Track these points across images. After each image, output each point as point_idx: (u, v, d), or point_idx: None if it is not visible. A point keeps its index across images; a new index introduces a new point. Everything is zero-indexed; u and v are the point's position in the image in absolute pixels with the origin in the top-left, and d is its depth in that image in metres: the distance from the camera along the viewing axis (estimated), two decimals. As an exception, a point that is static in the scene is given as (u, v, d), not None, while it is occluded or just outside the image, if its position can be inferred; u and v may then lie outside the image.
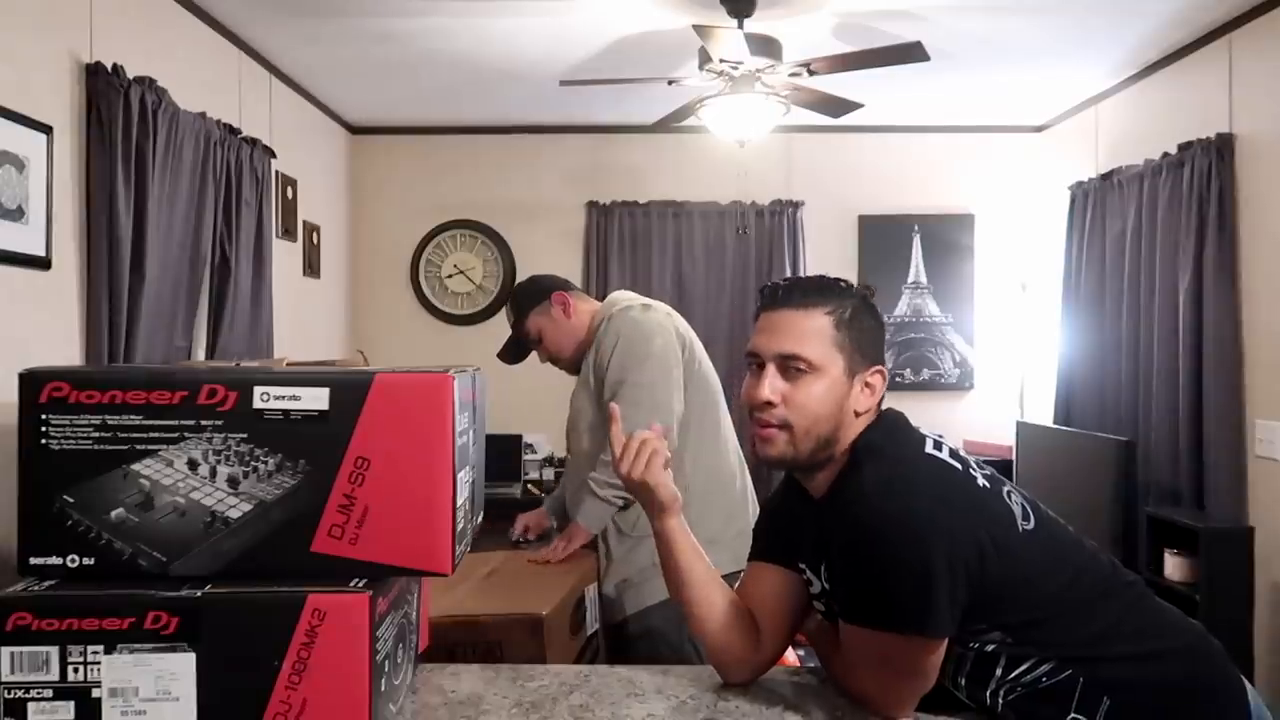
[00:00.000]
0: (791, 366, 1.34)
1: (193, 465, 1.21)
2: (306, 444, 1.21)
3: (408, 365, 1.31)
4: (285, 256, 4.13)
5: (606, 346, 2.35)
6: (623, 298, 2.51)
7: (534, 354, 2.59)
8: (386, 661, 1.25)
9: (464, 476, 1.29)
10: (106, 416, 1.20)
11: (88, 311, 2.66)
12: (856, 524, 1.25)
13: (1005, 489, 1.33)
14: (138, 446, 1.20)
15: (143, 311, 2.78)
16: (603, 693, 1.42)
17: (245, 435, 1.20)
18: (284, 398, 1.21)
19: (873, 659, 1.30)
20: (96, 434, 1.20)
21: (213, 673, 1.16)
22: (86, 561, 1.20)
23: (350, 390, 1.21)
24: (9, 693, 1.15)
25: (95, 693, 1.16)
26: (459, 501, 1.25)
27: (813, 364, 1.33)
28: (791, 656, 3.24)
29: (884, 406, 1.42)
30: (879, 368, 1.38)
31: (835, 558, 1.32)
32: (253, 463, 1.21)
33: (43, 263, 2.50)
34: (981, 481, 1.30)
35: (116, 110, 2.67)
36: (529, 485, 4.81)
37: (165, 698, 1.16)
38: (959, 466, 1.31)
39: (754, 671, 1.46)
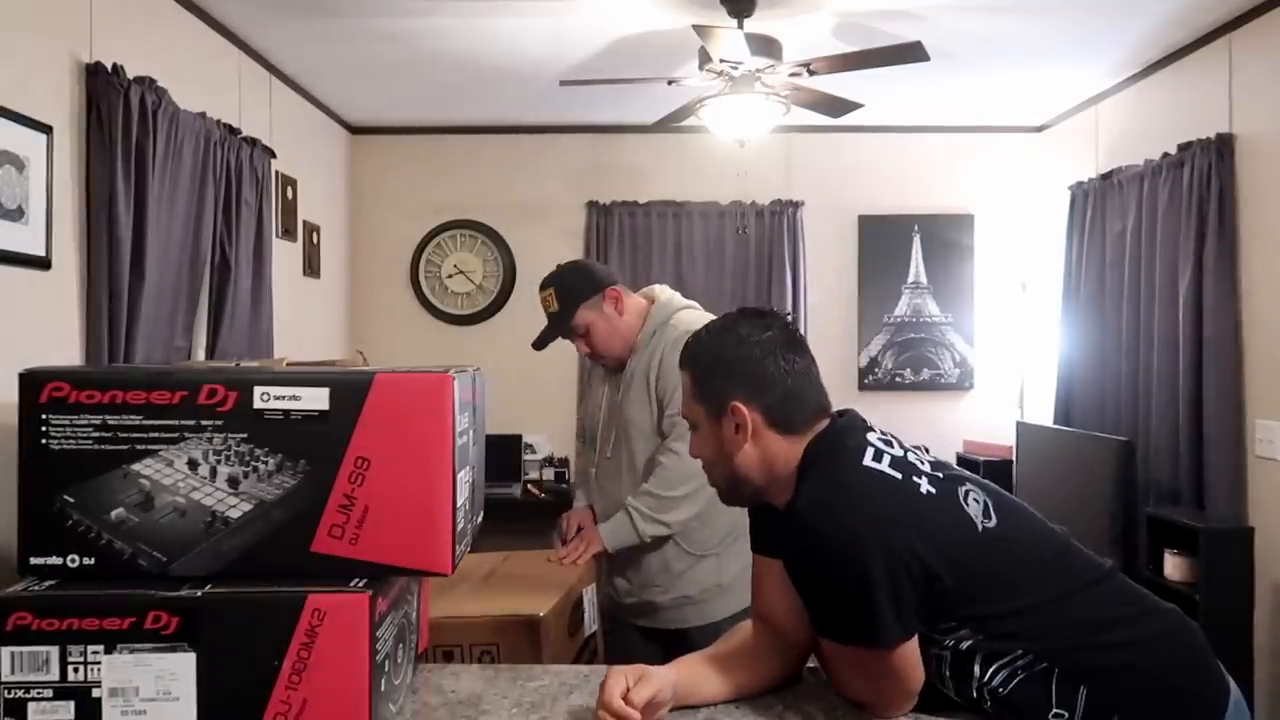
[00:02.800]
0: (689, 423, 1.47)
1: (193, 465, 1.21)
2: (307, 444, 1.21)
3: (408, 365, 1.31)
4: (285, 256, 4.12)
5: (671, 375, 2.22)
6: (674, 304, 2.39)
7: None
8: (386, 661, 1.25)
9: (464, 476, 1.30)
10: (107, 416, 1.20)
11: (88, 311, 2.66)
12: (795, 543, 1.32)
13: (962, 489, 1.34)
14: (138, 446, 1.20)
15: (143, 311, 2.78)
16: (603, 693, 1.42)
17: (245, 435, 1.21)
18: (284, 398, 1.21)
19: (848, 665, 1.34)
20: (97, 434, 1.20)
21: (213, 673, 1.16)
22: (86, 561, 1.21)
23: (350, 390, 1.21)
24: (9, 693, 1.15)
25: (95, 692, 1.16)
26: (459, 501, 1.25)
27: (689, 421, 1.46)
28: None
29: (843, 408, 1.46)
30: (734, 403, 1.38)
31: (789, 572, 1.37)
32: (253, 463, 1.21)
33: (43, 263, 2.50)
34: (925, 488, 1.31)
35: (116, 110, 2.67)
36: (529, 485, 4.81)
37: (165, 698, 1.16)
38: (898, 475, 1.32)
39: (800, 665, 1.50)
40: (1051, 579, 1.31)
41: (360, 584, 1.19)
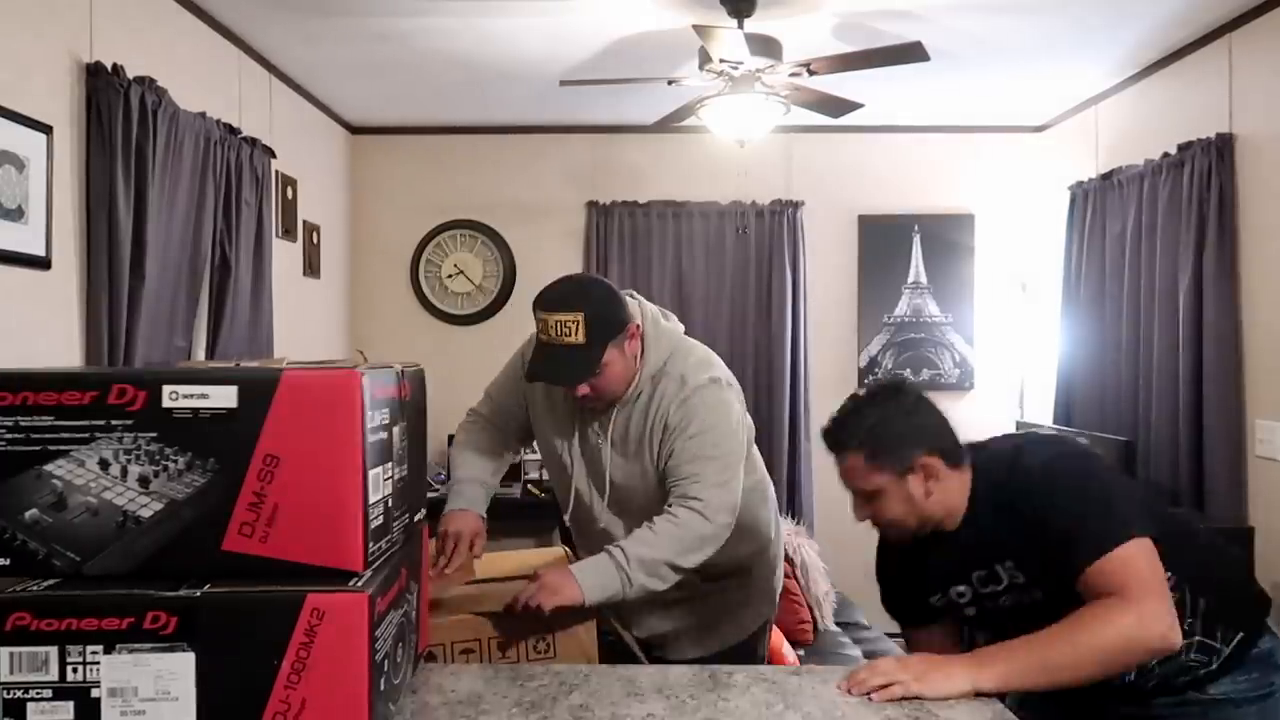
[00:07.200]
0: (863, 495, 1.63)
1: (104, 465, 1.20)
2: (215, 442, 1.20)
3: (320, 360, 1.28)
4: (285, 256, 4.12)
5: (679, 429, 1.90)
6: (663, 343, 1.97)
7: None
8: (386, 661, 1.25)
9: (379, 474, 1.27)
10: (19, 418, 1.20)
11: (88, 311, 2.66)
12: (1029, 492, 1.53)
13: None
14: (50, 447, 1.20)
15: (143, 311, 2.78)
16: (603, 693, 1.42)
17: (155, 434, 1.20)
18: (192, 396, 1.20)
19: (1103, 596, 1.44)
20: (9, 435, 1.20)
21: (212, 672, 1.16)
22: (2, 562, 1.20)
23: (258, 389, 1.20)
24: (8, 693, 1.15)
25: (94, 693, 1.16)
26: (372, 499, 1.24)
27: (869, 492, 1.61)
28: (791, 656, 3.24)
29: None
30: (923, 457, 1.58)
31: (1024, 539, 1.53)
32: (163, 462, 1.20)
33: (43, 263, 2.50)
34: None
35: (116, 110, 2.67)
36: (529, 485, 4.81)
37: (165, 697, 1.16)
38: None
39: None
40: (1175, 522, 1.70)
41: (359, 583, 1.19)
